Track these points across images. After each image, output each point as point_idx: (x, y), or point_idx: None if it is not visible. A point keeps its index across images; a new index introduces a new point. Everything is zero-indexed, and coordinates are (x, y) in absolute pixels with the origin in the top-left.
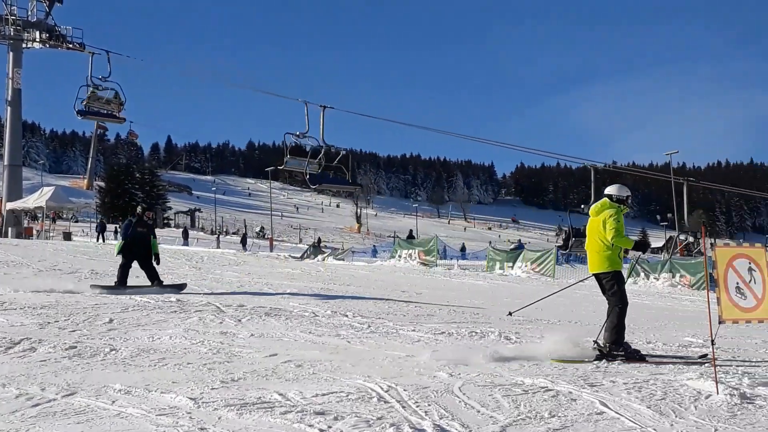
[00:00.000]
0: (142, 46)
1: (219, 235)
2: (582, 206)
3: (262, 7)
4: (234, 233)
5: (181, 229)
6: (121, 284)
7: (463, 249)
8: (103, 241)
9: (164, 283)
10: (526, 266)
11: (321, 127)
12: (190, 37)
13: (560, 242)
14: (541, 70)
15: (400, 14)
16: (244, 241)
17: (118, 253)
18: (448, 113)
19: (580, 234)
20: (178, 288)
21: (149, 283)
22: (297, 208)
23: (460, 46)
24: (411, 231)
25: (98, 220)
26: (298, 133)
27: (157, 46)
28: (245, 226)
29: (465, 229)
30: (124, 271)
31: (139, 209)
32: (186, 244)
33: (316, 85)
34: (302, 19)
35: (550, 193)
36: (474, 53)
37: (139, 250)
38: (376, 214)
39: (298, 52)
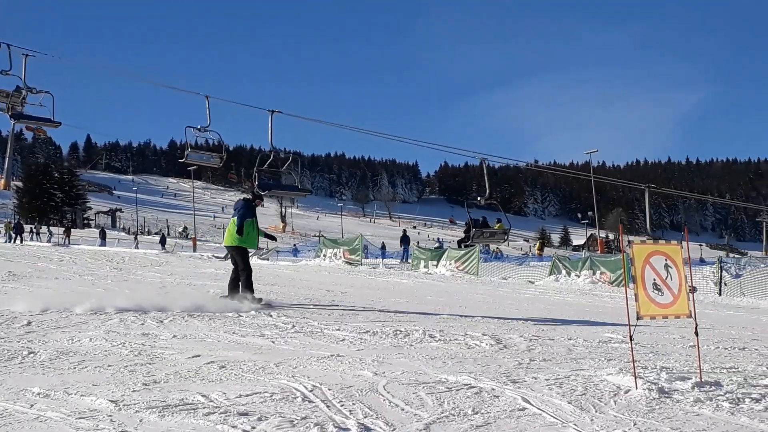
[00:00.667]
0: (57, 43)
1: (137, 235)
2: (478, 198)
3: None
4: (156, 233)
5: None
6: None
7: (383, 247)
8: (21, 242)
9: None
10: (450, 264)
11: (270, 132)
12: (105, 33)
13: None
14: (466, 67)
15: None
16: (163, 241)
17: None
18: (371, 111)
19: (479, 225)
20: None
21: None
22: (223, 209)
23: (383, 38)
24: (320, 232)
25: (15, 221)
26: (199, 126)
27: (71, 42)
28: (167, 226)
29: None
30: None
31: (250, 196)
32: (104, 244)
33: (230, 80)
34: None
35: (473, 192)
36: (397, 46)
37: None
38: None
39: (205, 48)
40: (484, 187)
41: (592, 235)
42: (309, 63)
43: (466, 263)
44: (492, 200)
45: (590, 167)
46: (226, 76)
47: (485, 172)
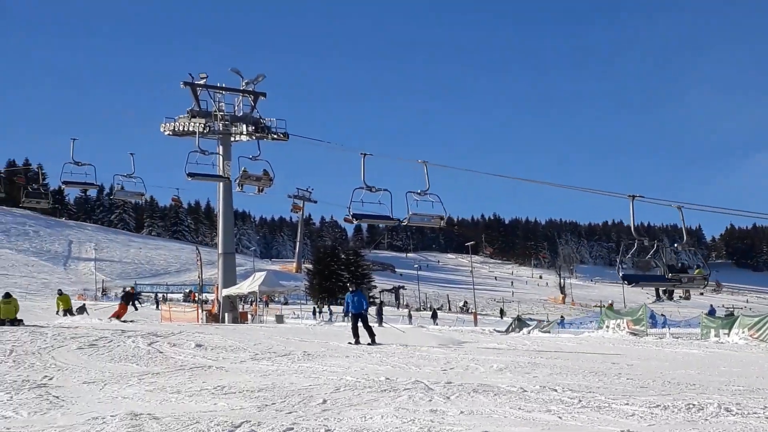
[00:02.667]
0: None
1: (410, 311)
2: (675, 245)
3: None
4: (438, 308)
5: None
6: None
7: (711, 312)
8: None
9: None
10: (743, 332)
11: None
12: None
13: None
14: (745, 126)
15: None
16: (434, 315)
17: None
18: (652, 178)
19: (674, 269)
20: None
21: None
22: (496, 278)
23: (654, 107)
24: (611, 302)
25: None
26: (419, 191)
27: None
28: (448, 301)
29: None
30: None
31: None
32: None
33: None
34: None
35: (764, 255)
36: (669, 111)
37: None
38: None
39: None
40: None
41: None
42: (588, 135)
43: (761, 331)
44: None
45: None
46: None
47: None
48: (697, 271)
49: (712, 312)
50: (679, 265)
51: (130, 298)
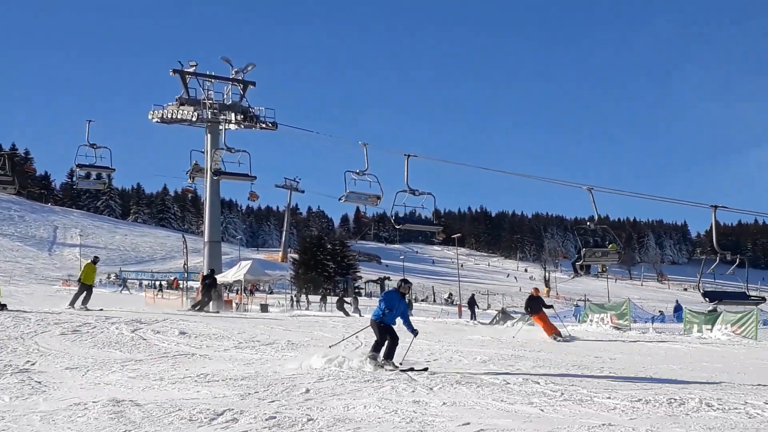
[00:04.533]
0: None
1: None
2: (588, 222)
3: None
4: (423, 300)
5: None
6: None
7: (677, 309)
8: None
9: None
10: (726, 329)
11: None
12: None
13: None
14: (732, 124)
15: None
16: (409, 306)
17: None
18: (636, 171)
19: (589, 245)
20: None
21: None
22: (489, 264)
23: (642, 93)
24: (585, 296)
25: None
26: (357, 170)
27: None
28: (433, 293)
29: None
30: None
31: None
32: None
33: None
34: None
35: (748, 251)
36: (659, 101)
37: None
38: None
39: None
40: None
41: None
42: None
43: (744, 327)
44: (602, 225)
45: None
46: None
47: None
48: (610, 246)
49: (678, 308)
50: (595, 241)
51: (210, 285)
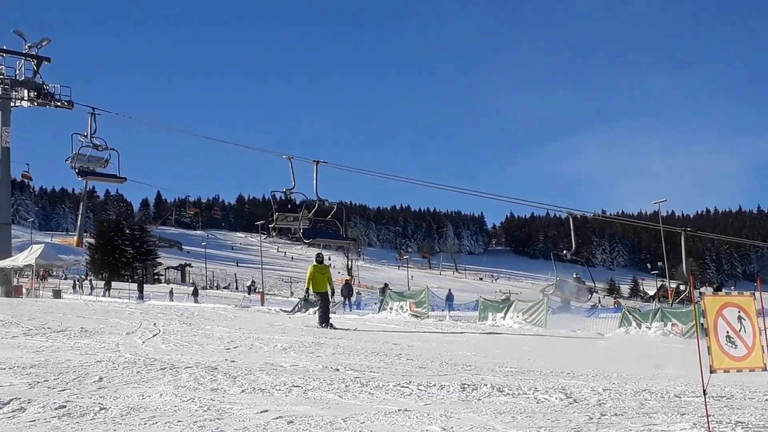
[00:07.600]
0: (129, 103)
1: (196, 289)
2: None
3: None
4: (225, 287)
5: (170, 286)
6: None
7: (449, 298)
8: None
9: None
10: (518, 316)
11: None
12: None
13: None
14: (531, 115)
15: (391, 72)
16: (195, 293)
17: None
18: (436, 164)
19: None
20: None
21: None
22: (292, 258)
23: (447, 94)
24: (386, 284)
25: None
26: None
27: (143, 102)
28: (236, 280)
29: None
30: None
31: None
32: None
33: (302, 140)
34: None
35: (540, 243)
36: (463, 101)
37: None
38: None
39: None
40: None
41: (662, 285)
42: (380, 122)
43: (534, 315)
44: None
45: (659, 217)
46: (301, 136)
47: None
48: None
49: (449, 297)
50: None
51: None
